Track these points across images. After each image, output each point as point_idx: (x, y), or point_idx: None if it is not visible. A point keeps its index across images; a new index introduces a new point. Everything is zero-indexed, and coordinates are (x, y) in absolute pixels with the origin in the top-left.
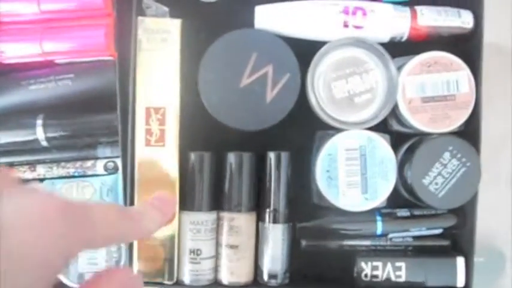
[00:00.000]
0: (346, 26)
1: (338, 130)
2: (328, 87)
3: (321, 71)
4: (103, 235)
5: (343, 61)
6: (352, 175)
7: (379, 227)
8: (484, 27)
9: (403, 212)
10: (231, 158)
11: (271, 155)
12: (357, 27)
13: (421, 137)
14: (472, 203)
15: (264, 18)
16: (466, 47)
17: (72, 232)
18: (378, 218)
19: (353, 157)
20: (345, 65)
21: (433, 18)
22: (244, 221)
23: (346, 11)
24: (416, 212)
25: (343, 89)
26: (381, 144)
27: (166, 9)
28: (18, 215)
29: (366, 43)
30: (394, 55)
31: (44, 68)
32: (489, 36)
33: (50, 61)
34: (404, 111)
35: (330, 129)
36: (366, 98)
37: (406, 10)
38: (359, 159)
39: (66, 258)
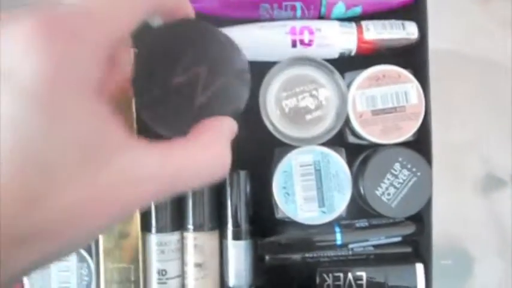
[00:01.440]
0: (294, 45)
1: (295, 147)
2: (279, 106)
3: (272, 90)
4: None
5: (293, 80)
6: (309, 190)
7: (339, 238)
8: (429, 36)
9: (361, 223)
10: None
11: (229, 175)
12: (305, 45)
13: (373, 149)
14: (427, 210)
15: None
16: (413, 57)
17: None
18: (337, 229)
19: (308, 172)
20: (295, 83)
21: (378, 32)
22: (207, 239)
23: (293, 31)
24: (375, 222)
25: (294, 107)
26: (335, 159)
27: None
28: None
29: (314, 61)
30: (345, 69)
31: None
32: (442, 42)
33: None
34: (355, 124)
35: (287, 146)
36: (317, 114)
37: (352, 25)
38: (314, 174)
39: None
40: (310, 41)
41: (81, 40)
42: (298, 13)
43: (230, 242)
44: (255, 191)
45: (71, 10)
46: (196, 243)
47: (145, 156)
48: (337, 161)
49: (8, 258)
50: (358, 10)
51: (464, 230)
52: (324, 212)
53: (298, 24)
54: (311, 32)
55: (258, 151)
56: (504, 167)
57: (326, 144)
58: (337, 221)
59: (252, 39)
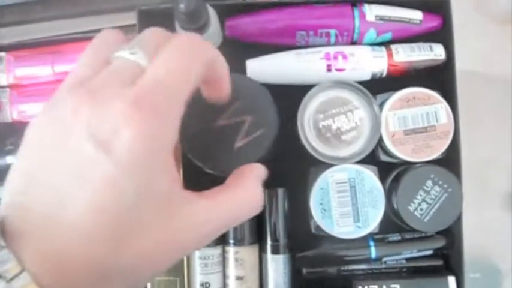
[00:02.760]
0: (329, 70)
1: (329, 165)
2: (316, 127)
3: (310, 112)
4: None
5: (329, 102)
6: (344, 206)
7: (373, 252)
8: (456, 58)
9: (394, 237)
10: None
11: (268, 192)
12: (339, 70)
13: (406, 166)
14: (458, 224)
15: (255, 70)
16: (442, 79)
17: (157, 117)
18: (371, 243)
19: (343, 189)
20: (330, 105)
21: (407, 55)
22: (247, 253)
23: (327, 57)
24: (407, 236)
25: (330, 128)
26: (369, 176)
27: None
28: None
29: (349, 84)
30: (377, 91)
31: None
32: (467, 63)
33: None
34: (388, 143)
35: (322, 164)
36: (352, 135)
37: (382, 50)
38: (349, 191)
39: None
40: (344, 65)
41: (162, 114)
42: (332, 39)
43: (269, 256)
44: (291, 206)
45: (150, 86)
46: (237, 257)
47: (199, 205)
48: (371, 178)
49: None
50: (388, 36)
51: (493, 244)
52: (358, 227)
53: (332, 50)
54: (344, 57)
55: (294, 169)
56: None
57: (359, 162)
58: (370, 236)
59: (290, 65)
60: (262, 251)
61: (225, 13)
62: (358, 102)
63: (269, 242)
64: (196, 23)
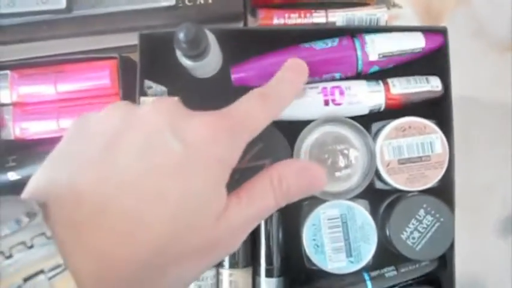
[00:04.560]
0: (327, 104)
1: (322, 200)
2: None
3: (306, 147)
4: (252, 126)
5: (325, 138)
6: (337, 241)
7: (369, 286)
8: (452, 86)
9: (390, 273)
10: None
11: None
12: (337, 104)
13: (399, 195)
14: (450, 252)
15: None
16: (438, 108)
17: (234, 135)
18: (367, 277)
19: (335, 225)
20: (327, 141)
21: (403, 87)
22: (241, 276)
23: (324, 92)
24: (403, 270)
25: (325, 164)
26: (360, 212)
27: (164, 88)
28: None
29: (345, 121)
30: (374, 119)
31: None
32: (464, 91)
33: None
34: (383, 173)
35: (315, 199)
36: (346, 172)
37: (379, 84)
38: (341, 227)
39: (237, 153)
40: (341, 100)
41: (236, 136)
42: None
43: (263, 279)
44: (285, 230)
45: (229, 114)
46: (232, 279)
47: (236, 209)
48: (362, 214)
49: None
50: (389, 67)
51: (486, 271)
52: (351, 262)
53: (328, 85)
54: (341, 92)
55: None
56: None
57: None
58: (365, 269)
59: None
60: (255, 274)
61: (224, 37)
62: (354, 140)
63: (263, 265)
64: (196, 50)
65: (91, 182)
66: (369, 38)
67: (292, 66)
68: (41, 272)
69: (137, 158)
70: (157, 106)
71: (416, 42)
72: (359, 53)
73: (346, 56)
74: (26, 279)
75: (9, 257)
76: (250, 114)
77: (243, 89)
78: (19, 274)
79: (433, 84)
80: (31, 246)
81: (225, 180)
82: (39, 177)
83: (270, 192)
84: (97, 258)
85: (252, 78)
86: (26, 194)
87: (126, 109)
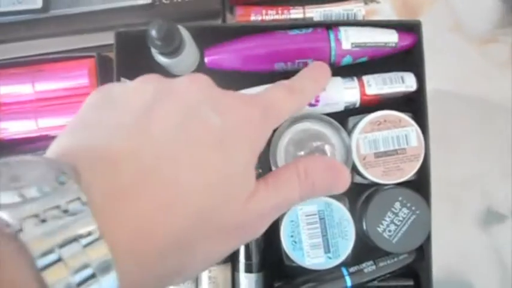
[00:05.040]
0: None
1: None
2: (288, 159)
3: (282, 144)
4: (280, 114)
5: (301, 135)
6: (314, 237)
7: (348, 282)
8: (428, 79)
9: (369, 268)
10: None
11: None
12: (311, 105)
13: (375, 188)
14: (427, 245)
15: None
16: (413, 102)
17: (266, 120)
18: (345, 273)
19: (313, 221)
20: (303, 138)
21: (379, 87)
22: (220, 272)
23: None
24: (381, 264)
25: None
26: (338, 208)
27: None
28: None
29: (319, 117)
30: (351, 113)
31: (40, 141)
32: (442, 83)
33: (45, 135)
34: (359, 166)
35: None
36: None
37: (354, 81)
38: (319, 223)
39: (265, 138)
40: (316, 101)
41: (267, 121)
42: None
43: (242, 275)
44: (264, 236)
45: (261, 99)
46: (211, 275)
47: (264, 194)
48: (340, 210)
49: (194, 248)
50: (363, 59)
51: (465, 264)
52: (329, 258)
53: None
54: (316, 97)
55: None
56: (504, 201)
57: None
58: (344, 265)
59: None
60: (235, 269)
61: (202, 35)
62: (330, 135)
63: (242, 260)
64: (169, 47)
65: (129, 150)
66: (343, 28)
67: (317, 67)
68: (76, 239)
69: (176, 128)
70: (195, 79)
71: (390, 37)
72: (332, 42)
73: (319, 42)
74: (60, 246)
75: (44, 221)
76: (278, 103)
77: (219, 72)
78: (54, 239)
79: (408, 84)
80: (65, 211)
81: (254, 162)
82: (65, 141)
83: (296, 184)
84: (135, 228)
85: (225, 61)
86: (49, 156)
87: (160, 80)
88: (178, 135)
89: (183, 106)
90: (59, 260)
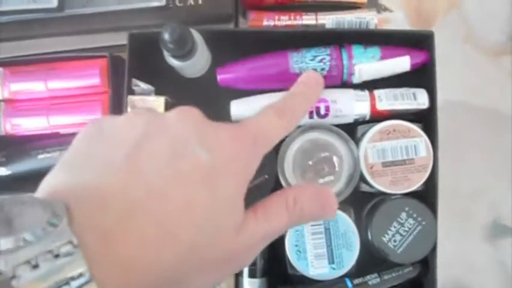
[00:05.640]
0: (311, 117)
1: None
2: (296, 168)
3: (290, 153)
4: (270, 140)
5: (309, 145)
6: (319, 248)
7: None
8: (445, 89)
9: (373, 280)
10: None
11: None
12: (321, 116)
13: (382, 197)
14: (432, 256)
15: (239, 110)
16: (423, 112)
17: (255, 148)
18: (349, 285)
19: (318, 231)
20: (311, 148)
21: (390, 103)
22: None
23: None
24: (385, 276)
25: (309, 170)
26: (343, 218)
27: (151, 87)
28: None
29: (329, 127)
30: (360, 122)
31: (51, 139)
32: (452, 93)
33: (55, 133)
34: (366, 175)
35: None
36: (330, 179)
37: (366, 94)
38: (324, 233)
39: (255, 165)
40: (326, 113)
41: (256, 150)
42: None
43: (246, 280)
44: (269, 246)
45: (250, 128)
46: None
47: (254, 225)
48: (345, 221)
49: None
50: (377, 52)
51: (470, 276)
52: (333, 269)
53: None
54: (327, 107)
55: None
56: (511, 214)
57: None
58: (348, 277)
59: None
60: (238, 274)
61: (215, 38)
62: (338, 146)
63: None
64: (182, 50)
65: (118, 187)
66: (357, 67)
67: (307, 80)
68: (67, 282)
69: (165, 164)
70: (183, 115)
71: (403, 66)
72: (345, 76)
73: (332, 78)
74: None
75: (36, 266)
76: (268, 130)
77: (231, 89)
78: (46, 283)
79: (420, 102)
80: (57, 256)
81: (243, 194)
82: (56, 178)
83: (285, 212)
84: (124, 266)
85: (237, 80)
86: (41, 194)
87: (149, 115)
88: (167, 172)
89: (171, 142)
90: None
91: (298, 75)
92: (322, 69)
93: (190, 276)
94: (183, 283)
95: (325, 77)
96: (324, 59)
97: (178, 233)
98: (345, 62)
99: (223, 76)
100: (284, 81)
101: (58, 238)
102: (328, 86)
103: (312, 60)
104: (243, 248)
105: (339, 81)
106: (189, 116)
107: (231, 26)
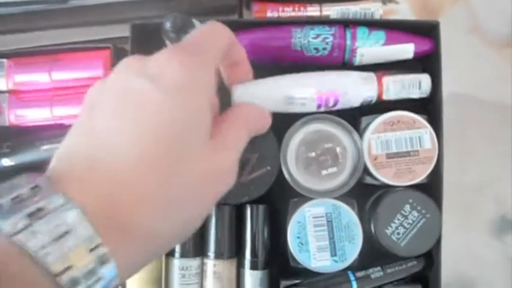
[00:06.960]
0: (319, 108)
1: (309, 198)
2: (298, 159)
3: (293, 144)
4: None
5: (313, 135)
6: (321, 240)
7: (354, 286)
8: (444, 82)
9: (376, 273)
10: (213, 210)
11: (249, 208)
12: (330, 107)
13: (386, 189)
14: (436, 250)
15: (242, 93)
16: (429, 103)
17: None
18: (352, 277)
19: (320, 223)
20: (314, 139)
21: (395, 93)
22: (225, 267)
23: (319, 98)
24: (389, 270)
25: (312, 161)
26: (346, 211)
27: None
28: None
29: (333, 119)
30: (364, 113)
31: (55, 130)
32: (458, 86)
33: (60, 124)
34: (370, 167)
35: (302, 197)
36: (333, 171)
37: (372, 77)
38: (326, 226)
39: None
40: (335, 104)
41: (196, 59)
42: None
43: (247, 272)
44: (271, 235)
45: (186, 42)
46: (216, 270)
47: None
48: (348, 213)
49: (156, 222)
50: (381, 35)
51: (476, 271)
52: (335, 261)
53: (324, 89)
54: (336, 101)
55: (275, 201)
56: None
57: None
58: (351, 270)
59: (277, 97)
60: (240, 266)
61: None
62: (342, 138)
63: (248, 257)
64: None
65: (84, 141)
66: (359, 50)
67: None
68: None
69: (114, 112)
70: (123, 66)
71: (406, 52)
72: (347, 57)
73: (333, 58)
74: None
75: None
76: (200, 38)
77: None
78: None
79: (422, 90)
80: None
81: (206, 107)
82: (64, 143)
83: (246, 137)
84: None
85: None
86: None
87: (98, 83)
88: (119, 114)
89: (115, 92)
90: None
91: (299, 52)
92: (324, 48)
93: (170, 206)
94: (165, 213)
95: (326, 57)
96: (327, 38)
97: (147, 166)
98: (348, 42)
99: None
100: (284, 56)
101: (39, 192)
102: (328, 66)
103: (314, 38)
104: (223, 168)
105: (339, 61)
106: (124, 66)
107: (234, 18)
